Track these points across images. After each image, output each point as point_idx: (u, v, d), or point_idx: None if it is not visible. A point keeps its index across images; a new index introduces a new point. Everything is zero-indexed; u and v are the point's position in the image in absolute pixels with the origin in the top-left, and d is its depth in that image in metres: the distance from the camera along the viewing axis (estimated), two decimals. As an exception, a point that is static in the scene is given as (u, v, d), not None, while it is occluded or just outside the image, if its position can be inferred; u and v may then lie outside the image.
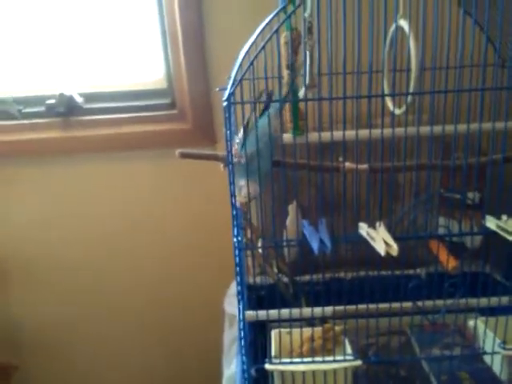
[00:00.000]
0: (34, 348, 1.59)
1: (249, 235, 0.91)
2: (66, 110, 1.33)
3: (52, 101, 1.34)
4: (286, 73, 0.96)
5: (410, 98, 0.80)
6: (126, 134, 1.33)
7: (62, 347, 1.60)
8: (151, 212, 1.43)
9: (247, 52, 0.74)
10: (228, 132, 0.75)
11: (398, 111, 0.86)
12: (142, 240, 1.46)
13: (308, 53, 0.85)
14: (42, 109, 1.35)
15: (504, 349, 0.86)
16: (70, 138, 1.33)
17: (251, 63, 0.71)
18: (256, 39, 0.73)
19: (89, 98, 1.38)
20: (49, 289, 1.52)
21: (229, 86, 0.74)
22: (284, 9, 0.77)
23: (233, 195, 0.79)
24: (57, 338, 1.59)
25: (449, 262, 0.91)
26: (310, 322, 0.95)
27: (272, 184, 0.80)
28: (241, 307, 0.87)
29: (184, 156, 0.92)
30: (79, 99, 1.34)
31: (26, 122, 1.35)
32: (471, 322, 0.95)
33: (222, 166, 0.89)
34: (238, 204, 0.80)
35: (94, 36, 1.38)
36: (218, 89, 0.98)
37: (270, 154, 0.80)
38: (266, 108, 0.83)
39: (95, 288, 1.52)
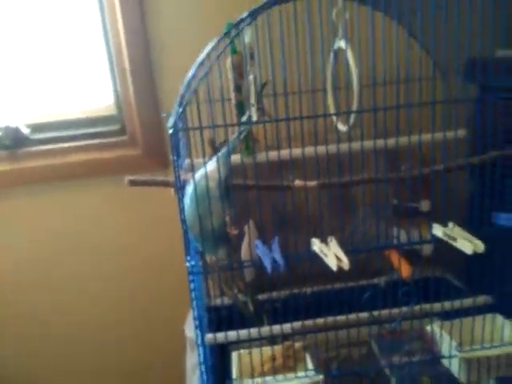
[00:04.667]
0: None
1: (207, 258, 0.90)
2: (13, 142, 1.30)
3: (-3, 134, 1.31)
4: (232, 95, 0.97)
5: (353, 116, 0.82)
6: (75, 163, 1.31)
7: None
8: (106, 239, 1.41)
9: (192, 77, 0.75)
10: (175, 158, 0.76)
11: (342, 128, 0.88)
12: (96, 267, 1.43)
13: (252, 77, 0.86)
14: (-13, 143, 1.32)
15: (460, 351, 0.88)
16: (18, 170, 1.30)
17: (194, 90, 0.71)
18: (198, 67, 0.74)
19: (36, 128, 1.35)
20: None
21: (173, 114, 0.74)
22: (228, 34, 0.78)
23: (183, 221, 0.79)
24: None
25: (402, 270, 0.93)
26: (271, 340, 0.95)
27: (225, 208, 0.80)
28: (199, 333, 0.86)
29: (134, 184, 0.92)
30: (25, 130, 1.32)
31: (-29, 156, 1.31)
32: (429, 327, 0.97)
33: (172, 191, 0.89)
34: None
35: (39, 65, 1.35)
36: (165, 114, 0.98)
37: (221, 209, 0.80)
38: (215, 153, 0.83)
39: (50, 316, 1.48)
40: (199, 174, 0.80)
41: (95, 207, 1.38)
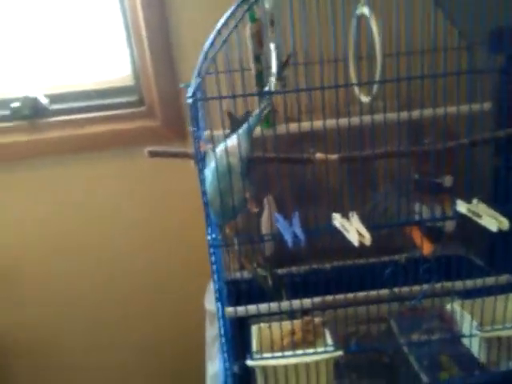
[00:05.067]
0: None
1: (227, 231, 0.89)
2: (32, 112, 1.30)
3: (17, 104, 1.30)
4: (252, 65, 0.95)
5: (375, 87, 0.79)
6: (94, 134, 1.30)
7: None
8: (123, 211, 1.41)
9: (210, 46, 0.73)
10: (195, 129, 0.74)
11: (365, 99, 0.86)
12: (115, 240, 1.44)
13: (274, 45, 0.84)
14: (6, 112, 1.31)
15: (480, 331, 0.87)
16: (37, 140, 1.30)
17: (213, 58, 0.69)
18: (217, 34, 0.72)
19: (54, 98, 1.34)
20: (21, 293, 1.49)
21: (192, 83, 0.72)
22: (246, 1, 0.76)
23: (204, 193, 0.78)
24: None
25: (424, 247, 0.92)
26: (291, 315, 0.95)
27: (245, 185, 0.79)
28: (219, 305, 0.86)
29: (153, 155, 0.91)
30: (44, 101, 1.31)
31: (-10, 126, 1.32)
32: (449, 306, 0.96)
33: (192, 162, 0.88)
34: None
35: (57, 35, 1.34)
36: (183, 85, 0.96)
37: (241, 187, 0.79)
38: (233, 130, 0.81)
39: (69, 294, 1.49)
40: (220, 148, 0.78)
41: (113, 179, 1.37)
